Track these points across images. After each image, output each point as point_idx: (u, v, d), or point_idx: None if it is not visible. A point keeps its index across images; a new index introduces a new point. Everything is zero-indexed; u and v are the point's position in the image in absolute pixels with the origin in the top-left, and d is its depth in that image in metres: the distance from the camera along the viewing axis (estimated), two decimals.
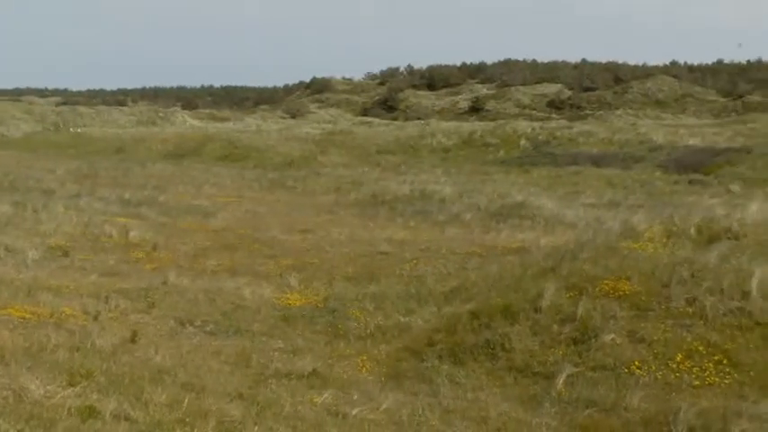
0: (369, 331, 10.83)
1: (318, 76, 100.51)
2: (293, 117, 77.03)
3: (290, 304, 12.11)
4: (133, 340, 9.21)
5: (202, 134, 52.39)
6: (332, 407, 7.65)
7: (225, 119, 75.72)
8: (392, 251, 16.33)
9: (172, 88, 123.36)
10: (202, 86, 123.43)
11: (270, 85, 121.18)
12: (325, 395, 7.90)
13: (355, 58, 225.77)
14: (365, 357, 9.79)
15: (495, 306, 10.54)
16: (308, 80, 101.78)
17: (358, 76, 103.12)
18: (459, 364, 9.35)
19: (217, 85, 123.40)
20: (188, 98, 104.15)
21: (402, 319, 11.28)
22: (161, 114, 73.66)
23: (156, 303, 11.53)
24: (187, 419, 6.45)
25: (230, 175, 34.66)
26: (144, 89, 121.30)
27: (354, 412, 7.50)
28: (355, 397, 8.08)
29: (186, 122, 69.72)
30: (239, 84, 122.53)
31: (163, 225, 19.59)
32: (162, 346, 9.34)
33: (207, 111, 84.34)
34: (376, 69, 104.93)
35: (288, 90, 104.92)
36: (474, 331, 10.01)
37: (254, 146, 45.04)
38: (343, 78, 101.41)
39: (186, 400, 6.89)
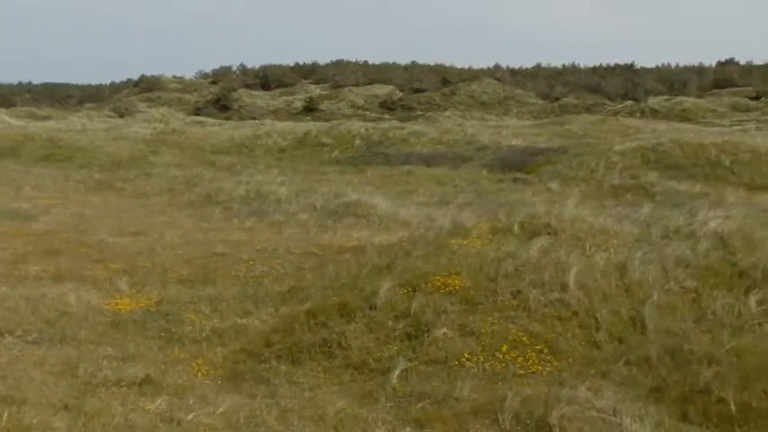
0: (204, 334, 10.61)
1: (147, 73, 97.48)
2: (121, 116, 74.03)
3: (120, 309, 11.65)
4: None
5: (21, 133, 49.13)
6: (166, 413, 7.44)
7: (46, 117, 71.63)
8: (228, 252, 16.08)
9: None
10: (20, 83, 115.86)
11: (95, 82, 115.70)
12: (159, 401, 7.68)
13: (185, 56, 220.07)
14: (201, 361, 9.60)
15: (331, 305, 10.66)
16: (136, 78, 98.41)
17: (189, 74, 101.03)
18: (296, 363, 9.38)
19: (36, 81, 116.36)
20: (4, 95, 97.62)
21: (239, 321, 11.15)
22: None
23: None
24: None
25: (53, 177, 32.82)
26: None
27: (190, 417, 7.34)
28: (191, 402, 7.90)
29: (3, 121, 65.23)
30: (61, 81, 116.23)
31: None
32: None
33: (26, 109, 79.47)
34: (208, 68, 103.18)
35: (115, 88, 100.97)
36: (311, 330, 10.07)
37: (79, 146, 42.90)
38: (174, 77, 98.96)
39: (5, 415, 6.50)
